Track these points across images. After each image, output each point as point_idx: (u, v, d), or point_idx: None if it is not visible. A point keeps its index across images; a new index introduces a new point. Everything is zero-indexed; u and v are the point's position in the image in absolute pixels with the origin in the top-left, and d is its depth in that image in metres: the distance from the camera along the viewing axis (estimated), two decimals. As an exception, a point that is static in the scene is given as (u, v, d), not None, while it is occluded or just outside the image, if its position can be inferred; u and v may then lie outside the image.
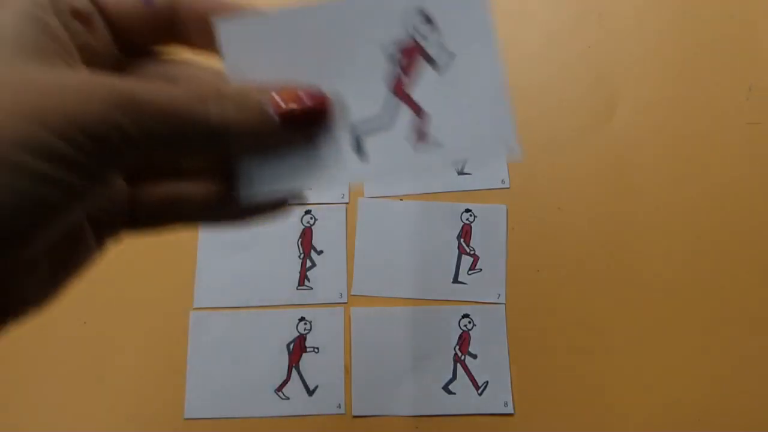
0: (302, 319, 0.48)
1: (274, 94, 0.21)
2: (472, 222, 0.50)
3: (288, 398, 0.46)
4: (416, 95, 0.23)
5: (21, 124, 0.18)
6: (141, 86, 0.20)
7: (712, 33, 0.55)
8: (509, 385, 0.45)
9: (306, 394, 0.46)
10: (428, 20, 0.23)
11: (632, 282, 0.47)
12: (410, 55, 0.23)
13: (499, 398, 0.45)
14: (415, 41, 0.23)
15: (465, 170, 0.51)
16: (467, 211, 0.50)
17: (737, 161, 0.51)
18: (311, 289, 0.48)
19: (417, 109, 0.23)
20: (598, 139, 0.52)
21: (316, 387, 0.46)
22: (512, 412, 0.45)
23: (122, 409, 0.46)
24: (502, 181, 0.51)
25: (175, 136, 0.20)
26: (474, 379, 0.46)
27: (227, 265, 0.49)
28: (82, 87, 0.19)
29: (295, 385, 0.46)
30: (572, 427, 0.44)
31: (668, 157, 0.51)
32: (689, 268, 0.48)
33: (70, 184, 0.19)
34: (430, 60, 0.23)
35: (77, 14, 0.22)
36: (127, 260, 0.50)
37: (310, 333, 0.47)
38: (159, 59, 0.25)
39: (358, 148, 0.23)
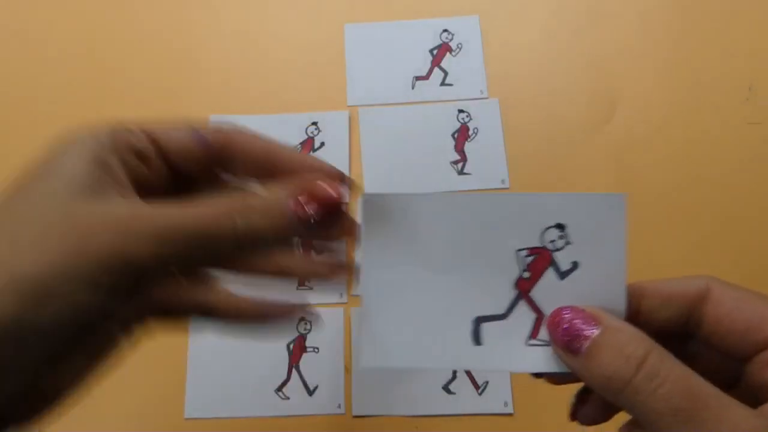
0: (302, 319, 0.48)
1: (293, 198, 0.23)
2: (472, 222, 0.50)
3: (288, 398, 0.46)
4: (536, 295, 0.25)
5: (67, 259, 0.20)
6: (175, 213, 0.22)
7: (712, 33, 0.55)
8: (509, 385, 0.45)
9: (306, 394, 0.46)
10: (563, 233, 0.24)
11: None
12: (538, 260, 0.25)
13: (499, 398, 0.45)
14: (546, 248, 0.24)
15: (465, 170, 0.51)
16: (467, 211, 0.50)
17: (737, 161, 0.51)
18: (311, 289, 0.48)
19: (535, 308, 0.25)
20: (598, 139, 0.52)
21: (316, 387, 0.46)
22: (512, 412, 0.45)
23: (122, 409, 0.46)
24: (502, 181, 0.51)
25: (207, 254, 0.22)
26: (474, 379, 0.46)
27: (227, 265, 0.49)
28: (126, 222, 0.21)
29: (295, 385, 0.46)
30: (572, 427, 0.44)
31: (668, 157, 0.51)
32: (689, 268, 0.48)
33: (108, 307, 0.21)
34: (555, 267, 0.25)
35: (136, 153, 0.25)
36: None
37: (310, 333, 0.47)
38: (207, 182, 0.27)
39: (475, 334, 0.25)
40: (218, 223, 0.22)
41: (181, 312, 0.28)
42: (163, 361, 0.47)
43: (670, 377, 0.21)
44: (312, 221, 0.23)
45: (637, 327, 0.23)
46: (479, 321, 0.25)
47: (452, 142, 0.52)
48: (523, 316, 0.25)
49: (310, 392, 0.46)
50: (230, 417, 0.45)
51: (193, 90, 0.55)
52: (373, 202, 0.25)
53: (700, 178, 0.50)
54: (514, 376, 0.45)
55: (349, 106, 0.54)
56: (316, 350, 0.47)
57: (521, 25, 0.56)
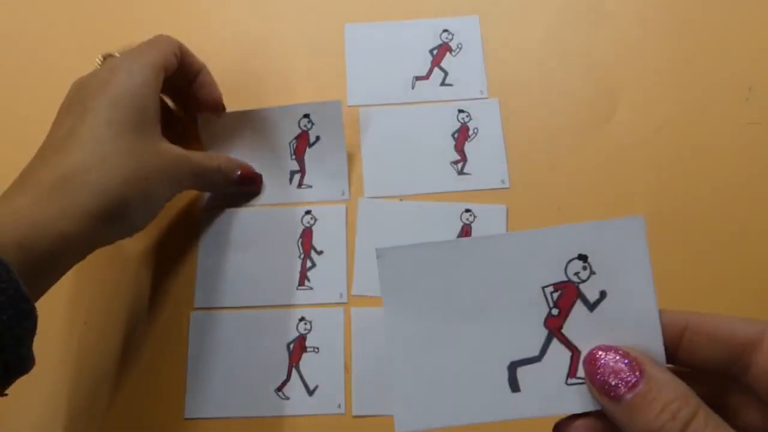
0: (302, 319, 0.48)
1: (238, 169, 0.49)
2: (471, 222, 0.50)
3: (288, 398, 0.46)
4: (568, 331, 0.24)
5: (163, 188, 0.42)
6: (200, 161, 0.46)
7: (712, 33, 0.55)
8: (509, 385, 0.45)
9: (306, 394, 0.46)
10: (586, 263, 0.24)
11: (632, 282, 0.47)
12: (565, 294, 0.24)
13: (499, 398, 0.45)
14: (571, 282, 0.24)
15: (465, 170, 0.51)
16: (467, 211, 0.50)
17: (737, 161, 0.51)
18: (311, 289, 0.48)
19: (568, 345, 0.24)
20: (598, 138, 0.52)
21: (316, 387, 0.46)
22: (512, 412, 0.44)
23: (122, 409, 0.46)
24: (502, 181, 0.51)
25: (207, 183, 0.49)
26: (474, 379, 0.46)
27: (227, 265, 0.49)
28: (180, 162, 0.43)
29: (295, 385, 0.46)
30: (572, 427, 0.44)
31: (668, 157, 0.51)
32: (689, 269, 0.48)
33: (165, 200, 0.44)
34: (583, 299, 0.24)
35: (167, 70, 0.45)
36: (128, 261, 0.50)
37: (310, 333, 0.47)
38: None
39: (512, 381, 0.24)
40: (213, 173, 0.47)
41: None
42: (163, 361, 0.47)
43: None
44: (243, 180, 0.50)
45: (676, 361, 0.23)
46: (514, 366, 0.24)
47: (452, 142, 0.52)
48: (559, 355, 0.24)
49: (310, 392, 0.46)
50: (230, 417, 0.45)
51: (193, 90, 0.55)
52: (388, 257, 0.24)
53: (700, 178, 0.50)
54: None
55: (349, 106, 0.54)
56: (316, 350, 0.47)
57: (521, 25, 0.56)
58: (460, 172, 0.51)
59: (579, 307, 0.24)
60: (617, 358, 0.22)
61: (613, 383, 0.22)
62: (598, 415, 0.24)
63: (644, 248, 0.24)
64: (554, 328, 0.24)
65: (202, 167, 0.45)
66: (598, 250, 0.24)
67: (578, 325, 0.24)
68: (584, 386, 0.23)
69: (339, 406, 0.45)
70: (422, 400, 0.24)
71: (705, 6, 0.56)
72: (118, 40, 0.57)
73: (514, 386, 0.24)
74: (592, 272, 0.24)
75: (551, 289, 0.24)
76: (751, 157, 0.51)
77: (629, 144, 0.52)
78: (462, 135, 0.53)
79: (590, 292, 0.24)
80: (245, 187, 0.50)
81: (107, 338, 0.48)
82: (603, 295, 0.24)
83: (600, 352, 0.23)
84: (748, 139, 0.51)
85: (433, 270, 0.24)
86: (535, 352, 0.24)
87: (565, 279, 0.24)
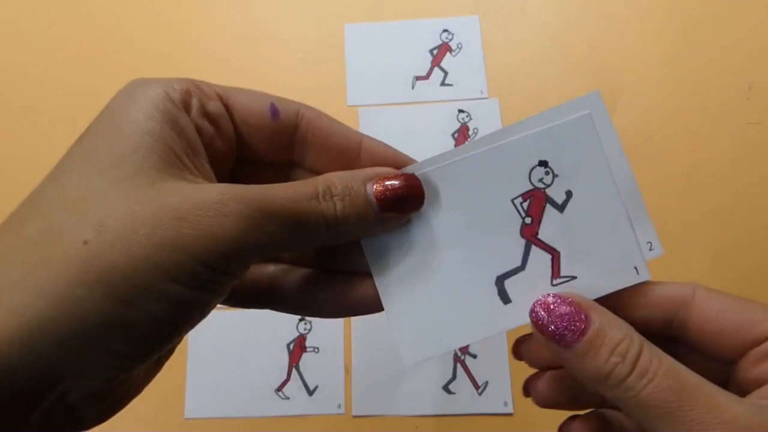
0: (302, 319, 0.48)
1: (372, 183, 0.23)
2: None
3: (288, 398, 0.46)
4: (544, 236, 0.25)
5: (162, 252, 0.18)
6: (266, 196, 0.20)
7: (712, 33, 0.55)
8: (509, 385, 0.45)
9: (306, 394, 0.46)
10: (547, 168, 0.24)
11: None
12: (534, 202, 0.25)
13: (499, 398, 0.45)
14: (537, 188, 0.25)
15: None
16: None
17: (737, 161, 0.51)
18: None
19: (547, 249, 0.25)
20: (598, 139, 0.52)
21: (316, 387, 0.46)
22: (512, 412, 0.45)
23: (122, 409, 0.46)
24: (502, 181, 0.51)
25: (297, 235, 0.21)
26: (474, 379, 0.46)
27: (227, 265, 0.49)
28: (217, 205, 0.19)
29: (295, 385, 0.46)
30: (572, 427, 0.44)
31: (668, 157, 0.51)
32: (689, 269, 0.48)
33: (200, 302, 0.20)
34: (552, 202, 0.25)
35: (208, 115, 0.23)
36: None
37: (310, 333, 0.47)
38: (270, 169, 0.25)
39: (502, 293, 0.25)
40: (309, 207, 0.21)
41: (252, 294, 0.26)
42: (163, 361, 0.47)
43: (659, 372, 0.21)
44: (389, 205, 0.23)
45: None
46: (501, 280, 0.25)
47: (452, 142, 0.52)
48: (540, 260, 0.24)
49: (310, 392, 0.46)
50: (230, 417, 0.45)
51: (193, 90, 0.55)
52: None
53: (700, 178, 0.50)
54: (514, 376, 0.45)
55: (349, 106, 0.54)
56: (316, 350, 0.47)
57: (521, 25, 0.56)
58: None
59: (550, 211, 0.25)
60: (562, 306, 0.23)
61: (561, 332, 0.22)
62: (596, 414, 0.25)
63: (597, 143, 0.24)
64: (531, 235, 0.25)
65: (269, 196, 0.21)
66: (556, 153, 0.24)
67: (552, 227, 0.24)
68: (571, 283, 0.24)
69: (339, 406, 0.45)
70: (421, 331, 0.25)
71: (705, 6, 0.56)
72: (118, 41, 0.58)
73: (505, 298, 0.25)
74: (555, 175, 0.24)
75: (520, 199, 0.25)
76: (751, 157, 0.51)
77: (629, 144, 0.52)
78: (462, 135, 0.53)
79: (557, 194, 0.24)
80: (394, 210, 0.24)
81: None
82: (569, 194, 0.25)
83: (545, 303, 0.23)
84: (748, 139, 0.51)
85: None
86: (518, 263, 0.25)
87: (531, 187, 0.24)
